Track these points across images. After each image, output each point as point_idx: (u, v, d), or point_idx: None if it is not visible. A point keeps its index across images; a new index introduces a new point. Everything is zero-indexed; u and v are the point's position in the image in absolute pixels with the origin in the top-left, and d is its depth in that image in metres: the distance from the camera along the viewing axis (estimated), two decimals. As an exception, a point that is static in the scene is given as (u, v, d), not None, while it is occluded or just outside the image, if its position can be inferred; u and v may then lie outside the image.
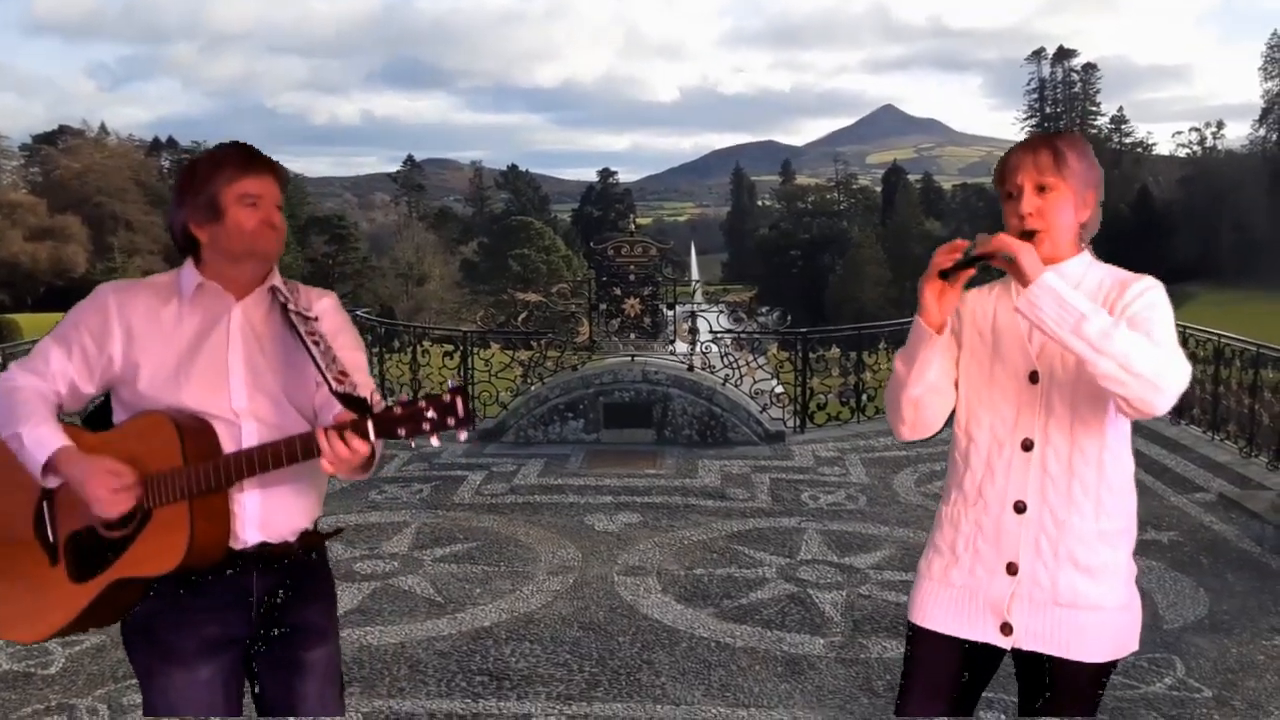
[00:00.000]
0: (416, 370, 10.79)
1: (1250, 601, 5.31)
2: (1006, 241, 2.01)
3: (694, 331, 10.23)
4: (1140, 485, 8.23)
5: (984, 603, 2.22)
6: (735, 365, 10.10)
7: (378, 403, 2.00)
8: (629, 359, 9.97)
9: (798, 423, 10.03)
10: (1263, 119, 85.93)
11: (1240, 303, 57.00)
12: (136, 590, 2.17)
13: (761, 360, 10.59)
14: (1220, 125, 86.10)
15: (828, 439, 9.50)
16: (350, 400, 1.98)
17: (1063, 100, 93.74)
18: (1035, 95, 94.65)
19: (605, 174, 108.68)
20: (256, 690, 2.35)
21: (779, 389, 10.40)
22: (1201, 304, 57.44)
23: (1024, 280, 1.98)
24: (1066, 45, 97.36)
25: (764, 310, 12.30)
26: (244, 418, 2.18)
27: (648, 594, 5.45)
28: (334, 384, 2.02)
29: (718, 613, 5.18)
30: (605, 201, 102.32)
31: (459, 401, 1.92)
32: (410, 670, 4.48)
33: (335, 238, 68.47)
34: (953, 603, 2.26)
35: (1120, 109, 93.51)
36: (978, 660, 2.27)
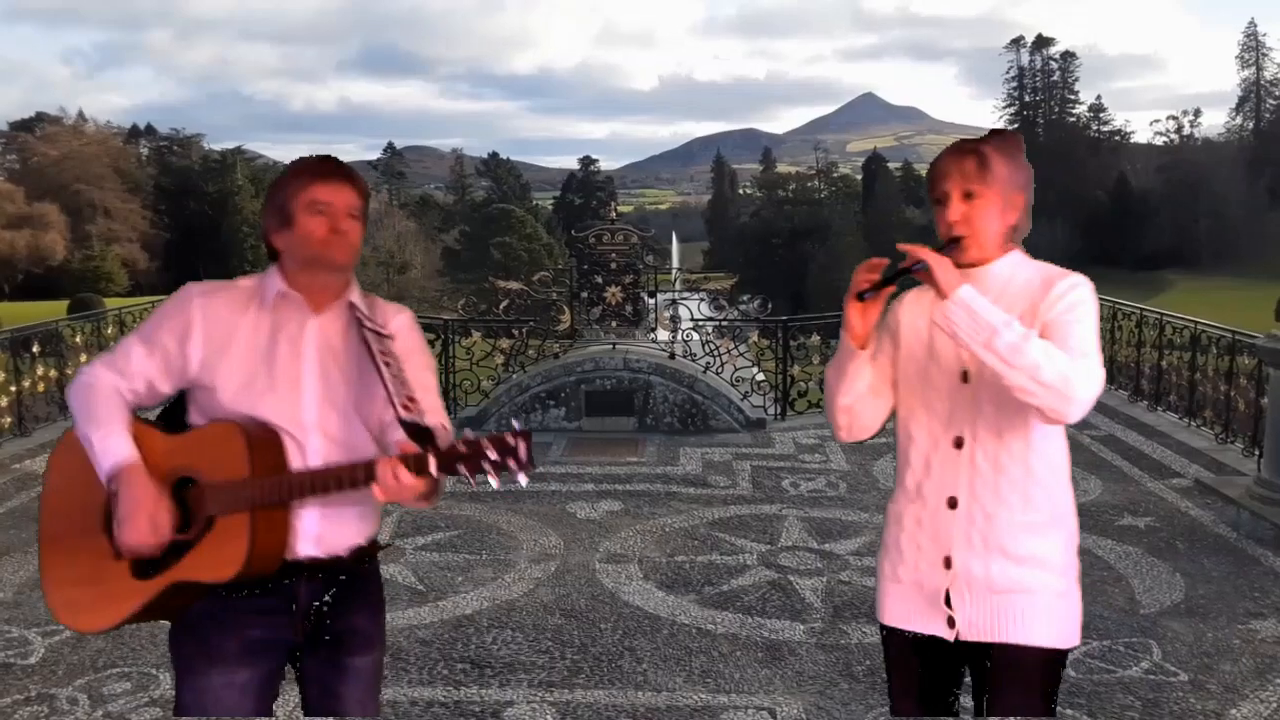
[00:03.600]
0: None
1: (1226, 586, 5.37)
2: (923, 255, 2.09)
3: (675, 319, 10.24)
4: (1117, 471, 8.23)
5: (928, 597, 2.26)
6: (716, 353, 10.12)
7: (444, 435, 1.99)
8: (610, 347, 9.97)
9: (779, 410, 10.06)
10: (1239, 107, 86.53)
11: (1216, 289, 57.40)
12: (194, 593, 2.19)
13: (743, 348, 10.62)
14: (1198, 114, 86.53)
15: (809, 426, 9.53)
16: (415, 430, 1.98)
17: (1042, 89, 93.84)
18: (1014, 84, 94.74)
19: (586, 162, 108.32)
20: (303, 690, 2.35)
21: (759, 376, 10.43)
22: (1179, 291, 57.83)
23: (940, 294, 2.06)
24: (1036, 33, 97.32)
25: (745, 298, 12.29)
26: (311, 431, 2.20)
27: (629, 581, 5.46)
28: (401, 411, 2.02)
29: (699, 599, 5.20)
30: (587, 189, 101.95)
31: (522, 445, 1.92)
32: (392, 659, 4.48)
33: (315, 226, 67.78)
34: (903, 598, 2.30)
35: (1098, 97, 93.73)
36: (940, 655, 2.29)
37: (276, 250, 2.25)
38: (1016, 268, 2.23)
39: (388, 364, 2.13)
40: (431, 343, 10.45)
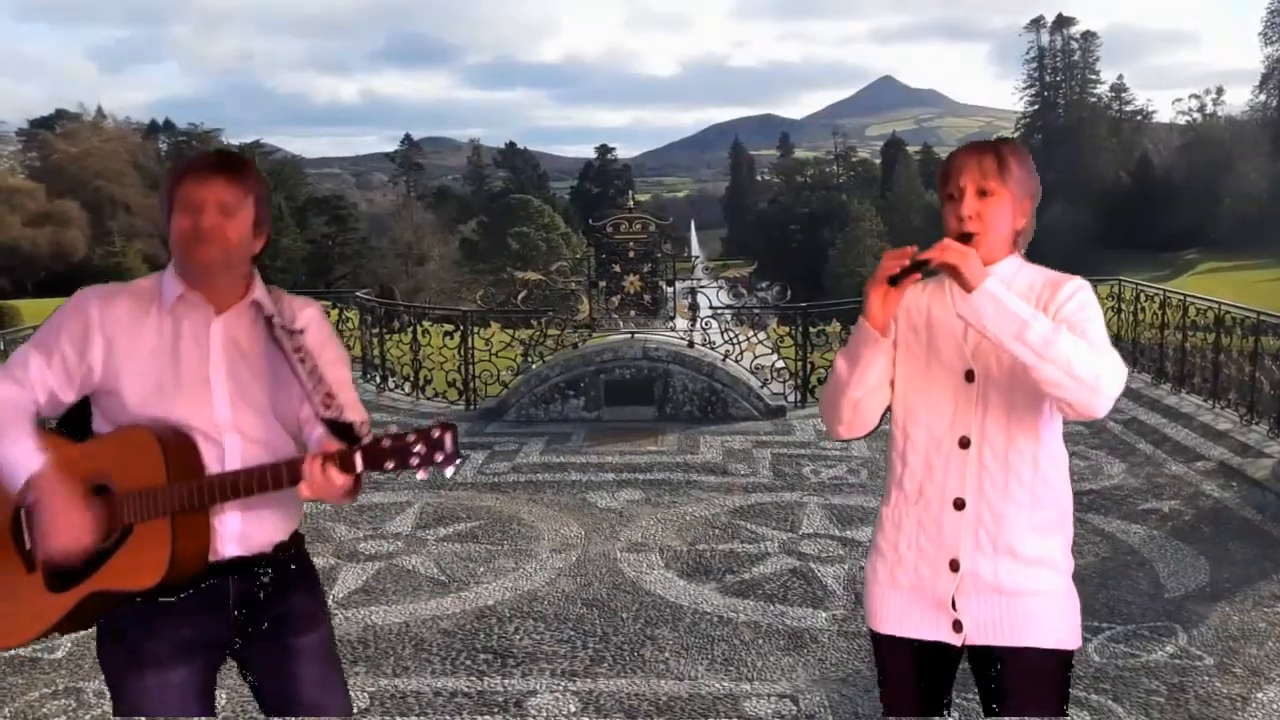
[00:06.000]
0: (417, 350, 10.79)
1: (1251, 569, 5.33)
2: (949, 245, 2.05)
3: (694, 308, 10.22)
4: (1140, 454, 8.18)
5: (932, 601, 2.22)
6: (735, 341, 10.10)
7: (365, 431, 1.97)
8: (629, 336, 9.97)
9: (799, 397, 10.04)
10: (1263, 84, 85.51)
11: (1239, 270, 56.91)
12: (114, 601, 2.14)
13: (762, 335, 10.59)
14: (1220, 91, 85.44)
15: (829, 413, 9.48)
16: (337, 427, 1.96)
17: (1062, 69, 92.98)
18: (1035, 64, 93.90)
19: (604, 150, 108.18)
20: (255, 687, 2.32)
21: (779, 364, 10.41)
22: (1200, 273, 57.38)
23: (966, 286, 2.02)
24: (1067, 13, 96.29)
25: (764, 285, 12.27)
26: (227, 432, 2.15)
27: (650, 570, 5.47)
28: (321, 409, 1.99)
29: (720, 587, 5.20)
30: (604, 178, 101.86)
31: (447, 438, 1.90)
32: (415, 649, 4.51)
33: (334, 219, 68.13)
34: (903, 604, 2.26)
35: (1120, 76, 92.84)
36: (937, 660, 2.27)
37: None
38: (1019, 270, 2.21)
39: (303, 361, 2.09)
40: (450, 334, 10.59)
